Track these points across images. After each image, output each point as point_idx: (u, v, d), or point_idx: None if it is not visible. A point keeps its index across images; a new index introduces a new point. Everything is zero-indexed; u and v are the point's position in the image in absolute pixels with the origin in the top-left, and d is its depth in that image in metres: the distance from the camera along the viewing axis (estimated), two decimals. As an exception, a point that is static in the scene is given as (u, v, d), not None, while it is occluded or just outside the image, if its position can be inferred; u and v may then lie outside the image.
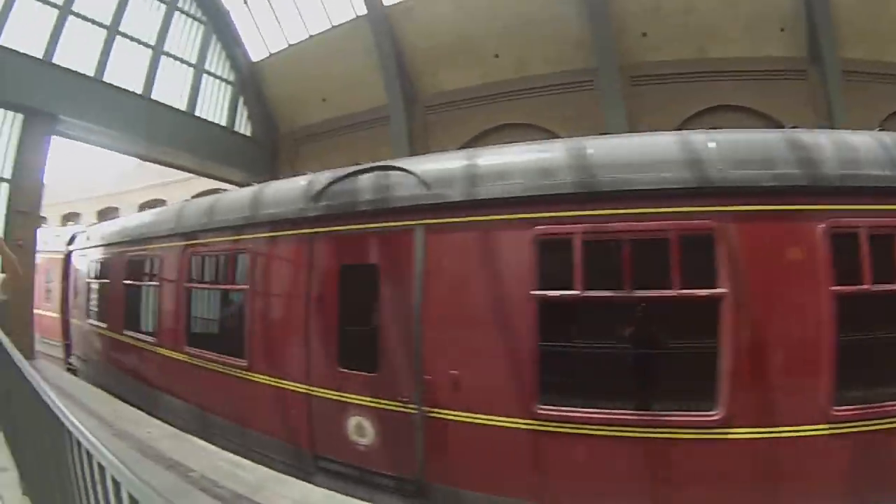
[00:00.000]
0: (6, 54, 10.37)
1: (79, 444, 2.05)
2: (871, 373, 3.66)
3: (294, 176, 5.80)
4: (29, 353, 9.58)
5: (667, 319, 3.81)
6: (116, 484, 1.68)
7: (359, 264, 4.75)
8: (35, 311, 11.79)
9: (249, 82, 16.47)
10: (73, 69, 11.77)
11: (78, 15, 11.91)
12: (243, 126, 16.71)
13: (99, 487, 1.84)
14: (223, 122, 16.02)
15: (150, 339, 7.13)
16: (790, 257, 3.68)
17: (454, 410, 4.20)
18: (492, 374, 4.11)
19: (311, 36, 15.12)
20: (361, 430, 4.62)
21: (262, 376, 5.34)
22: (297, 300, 5.07)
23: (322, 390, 4.82)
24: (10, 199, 10.47)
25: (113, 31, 12.76)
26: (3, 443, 4.21)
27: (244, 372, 5.49)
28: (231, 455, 5.36)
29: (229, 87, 16.30)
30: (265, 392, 5.30)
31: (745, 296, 3.60)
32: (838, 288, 3.56)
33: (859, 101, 10.54)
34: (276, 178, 6.66)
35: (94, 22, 12.34)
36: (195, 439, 5.91)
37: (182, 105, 14.79)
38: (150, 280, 7.30)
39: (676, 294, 3.65)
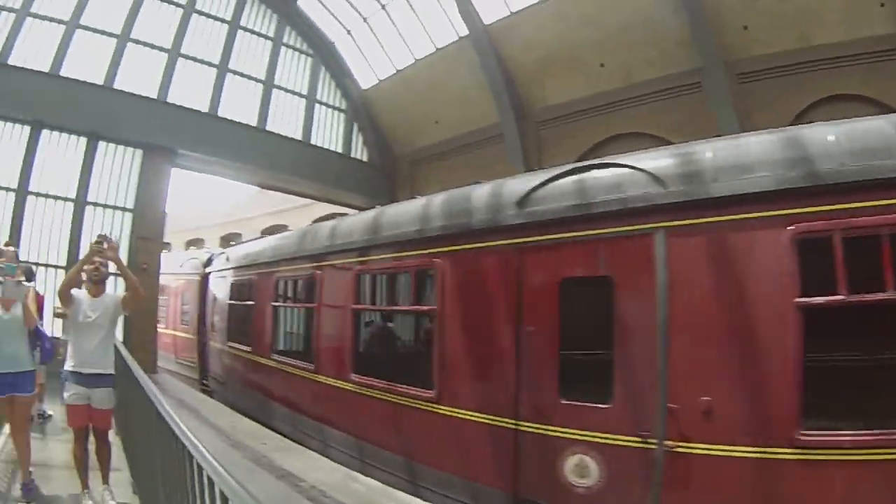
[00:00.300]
0: (123, 97, 11.40)
1: (187, 452, 2.11)
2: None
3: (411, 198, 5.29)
4: (151, 368, 10.31)
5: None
6: (211, 483, 1.79)
7: (585, 276, 4.20)
8: (170, 331, 12.34)
9: (361, 109, 16.68)
10: (188, 107, 12.58)
11: (188, 57, 12.78)
12: (359, 151, 16.93)
13: (205, 494, 1.90)
14: (339, 149, 16.28)
15: (305, 364, 6.88)
16: None
17: (706, 443, 3.50)
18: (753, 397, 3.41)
19: (416, 60, 15.14)
20: (583, 470, 4.00)
21: (451, 409, 4.83)
22: (502, 321, 4.58)
23: (535, 425, 4.24)
24: (133, 227, 11.40)
25: (223, 69, 13.51)
26: (119, 446, 4.71)
27: (429, 404, 5.01)
28: (347, 469, 5.31)
29: (342, 115, 16.59)
30: (454, 426, 4.81)
31: None
32: None
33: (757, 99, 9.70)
34: (393, 200, 6.33)
35: (204, 62, 13.15)
36: (312, 453, 5.92)
37: (297, 134, 15.19)
38: (307, 301, 7.08)
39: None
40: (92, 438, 4.05)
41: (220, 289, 10.19)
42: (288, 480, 5.03)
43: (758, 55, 10.83)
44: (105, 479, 4.02)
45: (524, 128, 14.03)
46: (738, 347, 3.49)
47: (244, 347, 8.65)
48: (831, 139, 3.41)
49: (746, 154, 3.65)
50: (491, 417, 4.49)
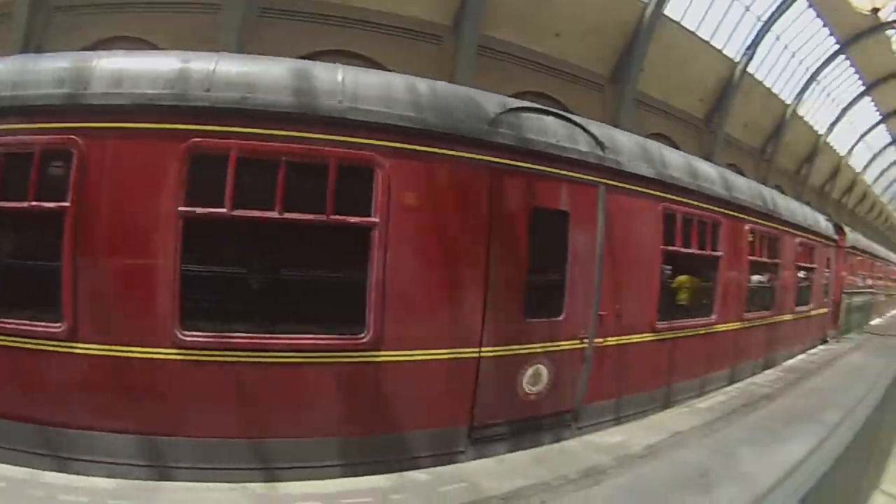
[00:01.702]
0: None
1: None
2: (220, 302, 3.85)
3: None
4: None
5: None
6: None
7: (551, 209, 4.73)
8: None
9: None
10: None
11: None
12: None
13: None
14: None
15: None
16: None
17: (614, 336, 5.17)
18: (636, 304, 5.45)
19: None
20: (537, 378, 4.62)
21: (395, 353, 4.04)
22: (470, 243, 4.32)
23: (499, 349, 4.37)
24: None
25: None
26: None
27: (360, 353, 3.95)
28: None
29: None
30: (400, 372, 4.12)
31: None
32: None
33: (490, 77, 12.47)
34: None
35: None
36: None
37: None
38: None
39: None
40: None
41: None
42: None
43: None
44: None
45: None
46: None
47: None
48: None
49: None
50: (450, 351, 4.21)
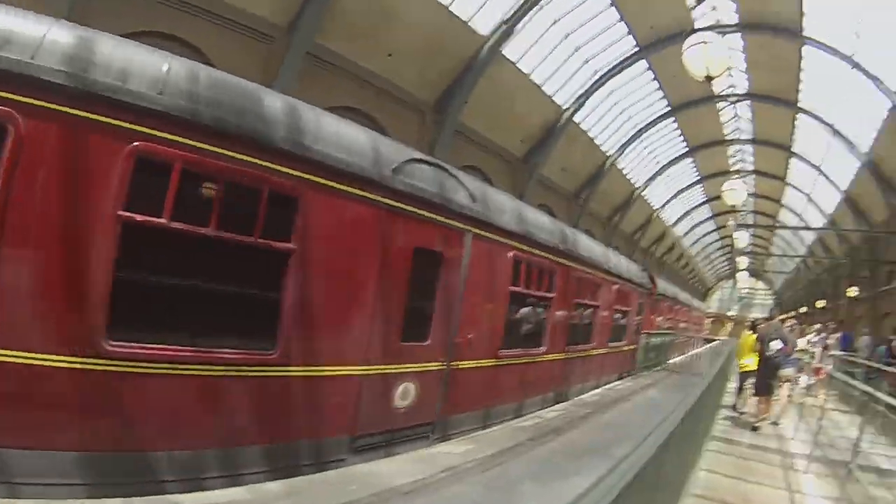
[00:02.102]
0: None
1: None
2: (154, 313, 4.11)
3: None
4: None
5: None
6: None
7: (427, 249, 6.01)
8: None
9: None
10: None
11: None
12: None
13: None
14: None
15: None
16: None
17: (466, 360, 6.70)
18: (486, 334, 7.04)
19: None
20: (406, 394, 5.90)
21: (301, 368, 4.89)
22: (363, 273, 5.50)
23: (378, 367, 5.50)
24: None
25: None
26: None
27: (267, 368, 4.77)
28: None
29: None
30: (302, 386, 5.04)
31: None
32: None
33: (315, 85, 13.01)
34: None
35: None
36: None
37: None
38: None
39: None
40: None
41: None
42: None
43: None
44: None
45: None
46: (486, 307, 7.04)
47: None
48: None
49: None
50: (342, 368, 5.28)
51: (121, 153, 3.82)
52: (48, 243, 3.67)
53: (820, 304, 40.56)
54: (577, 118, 23.05)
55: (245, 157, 4.39)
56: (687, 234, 46.76)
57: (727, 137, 31.01)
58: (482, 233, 6.80)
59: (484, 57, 17.11)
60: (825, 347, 16.13)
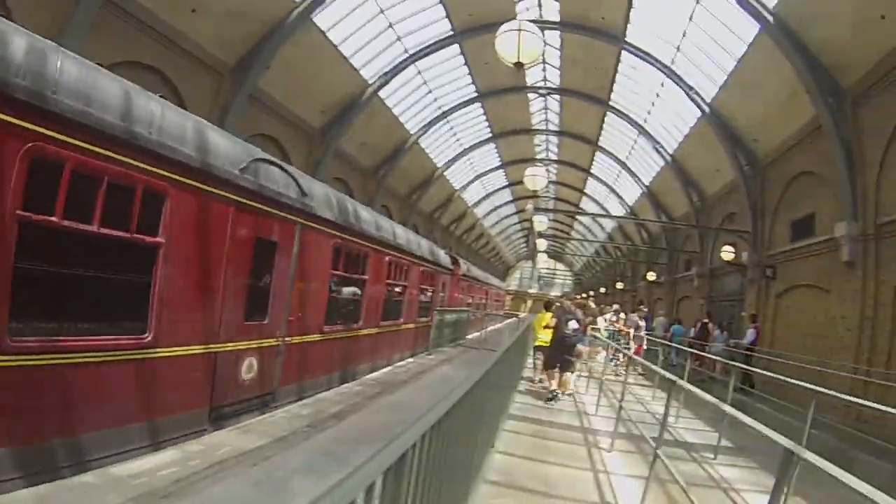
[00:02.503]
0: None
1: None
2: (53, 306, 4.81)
3: None
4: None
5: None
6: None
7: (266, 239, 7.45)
8: None
9: None
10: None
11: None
12: None
13: None
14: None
15: None
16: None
17: (298, 336, 8.36)
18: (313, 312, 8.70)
19: None
20: (250, 368, 7.39)
21: (169, 349, 5.98)
22: (214, 261, 6.70)
23: (228, 345, 6.85)
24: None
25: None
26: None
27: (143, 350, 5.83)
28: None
29: None
30: (169, 365, 6.15)
31: None
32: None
33: (107, 38, 12.84)
34: None
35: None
36: None
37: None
38: None
39: None
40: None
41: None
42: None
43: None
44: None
45: None
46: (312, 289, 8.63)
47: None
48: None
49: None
50: (202, 347, 6.48)
51: (17, 154, 4.33)
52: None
53: (619, 285, 46.57)
54: (382, 93, 24.24)
55: (124, 159, 5.19)
56: (489, 214, 51.76)
57: (534, 127, 34.81)
58: (310, 224, 8.47)
59: (292, 22, 17.37)
60: (637, 327, 17.76)
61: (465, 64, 26.64)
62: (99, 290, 5.22)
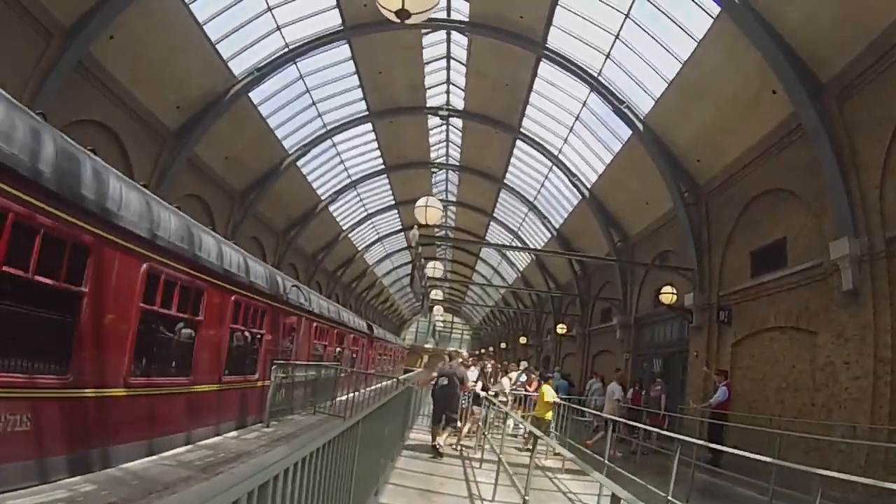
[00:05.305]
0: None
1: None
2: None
3: None
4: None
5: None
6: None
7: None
8: None
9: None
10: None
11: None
12: None
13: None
14: None
15: None
16: None
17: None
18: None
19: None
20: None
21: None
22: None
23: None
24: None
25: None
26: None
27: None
28: None
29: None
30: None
31: None
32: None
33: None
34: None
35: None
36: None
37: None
38: None
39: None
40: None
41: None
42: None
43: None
44: None
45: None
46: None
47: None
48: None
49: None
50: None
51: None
52: None
53: (522, 340, 42.02)
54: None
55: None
56: (388, 273, 52.73)
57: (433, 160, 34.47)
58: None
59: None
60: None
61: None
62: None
